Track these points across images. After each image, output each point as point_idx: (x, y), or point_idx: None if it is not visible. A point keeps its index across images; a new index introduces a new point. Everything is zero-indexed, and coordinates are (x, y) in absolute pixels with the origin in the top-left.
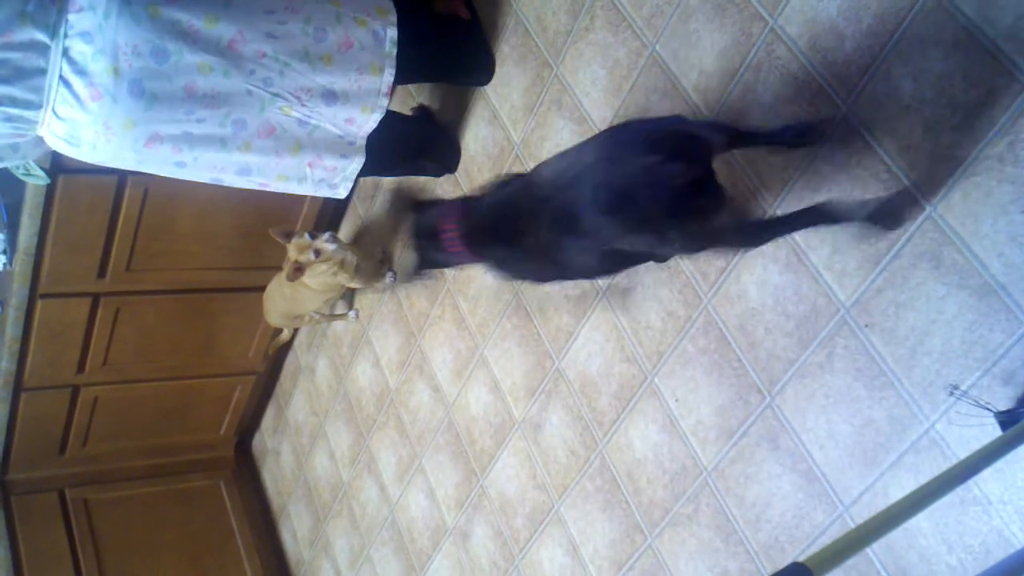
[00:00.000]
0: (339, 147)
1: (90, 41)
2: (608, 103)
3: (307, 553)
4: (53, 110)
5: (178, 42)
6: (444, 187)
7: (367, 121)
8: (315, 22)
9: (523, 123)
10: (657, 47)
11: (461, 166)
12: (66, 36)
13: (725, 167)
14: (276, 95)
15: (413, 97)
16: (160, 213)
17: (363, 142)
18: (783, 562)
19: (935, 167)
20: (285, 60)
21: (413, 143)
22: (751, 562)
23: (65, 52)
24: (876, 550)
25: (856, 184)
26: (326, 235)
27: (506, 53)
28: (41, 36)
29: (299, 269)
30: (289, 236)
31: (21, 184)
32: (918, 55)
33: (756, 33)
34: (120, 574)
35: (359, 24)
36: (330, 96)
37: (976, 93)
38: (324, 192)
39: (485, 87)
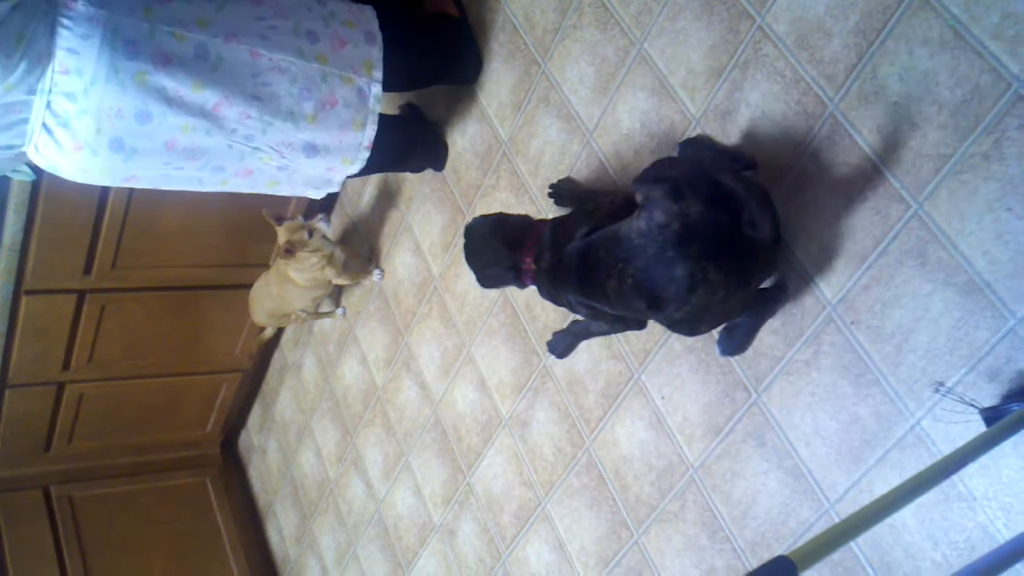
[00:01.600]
0: (316, 183)
1: (74, 101)
2: (596, 100)
3: (293, 551)
4: (35, 147)
5: (162, 106)
6: (431, 184)
7: (347, 169)
8: (300, 83)
9: (511, 120)
10: (645, 45)
11: (448, 164)
12: (50, 92)
13: None
14: (256, 148)
15: (400, 95)
16: (146, 210)
17: (342, 179)
18: (769, 558)
19: (921, 165)
20: (268, 120)
21: (401, 144)
22: (737, 559)
23: (48, 105)
24: (862, 546)
25: (842, 183)
26: (319, 216)
27: (494, 50)
28: (24, 96)
29: (290, 250)
30: (281, 220)
31: (6, 180)
32: (904, 53)
33: (744, 31)
34: (105, 572)
35: (345, 82)
36: (311, 149)
37: (962, 91)
38: (299, 195)
39: (473, 84)
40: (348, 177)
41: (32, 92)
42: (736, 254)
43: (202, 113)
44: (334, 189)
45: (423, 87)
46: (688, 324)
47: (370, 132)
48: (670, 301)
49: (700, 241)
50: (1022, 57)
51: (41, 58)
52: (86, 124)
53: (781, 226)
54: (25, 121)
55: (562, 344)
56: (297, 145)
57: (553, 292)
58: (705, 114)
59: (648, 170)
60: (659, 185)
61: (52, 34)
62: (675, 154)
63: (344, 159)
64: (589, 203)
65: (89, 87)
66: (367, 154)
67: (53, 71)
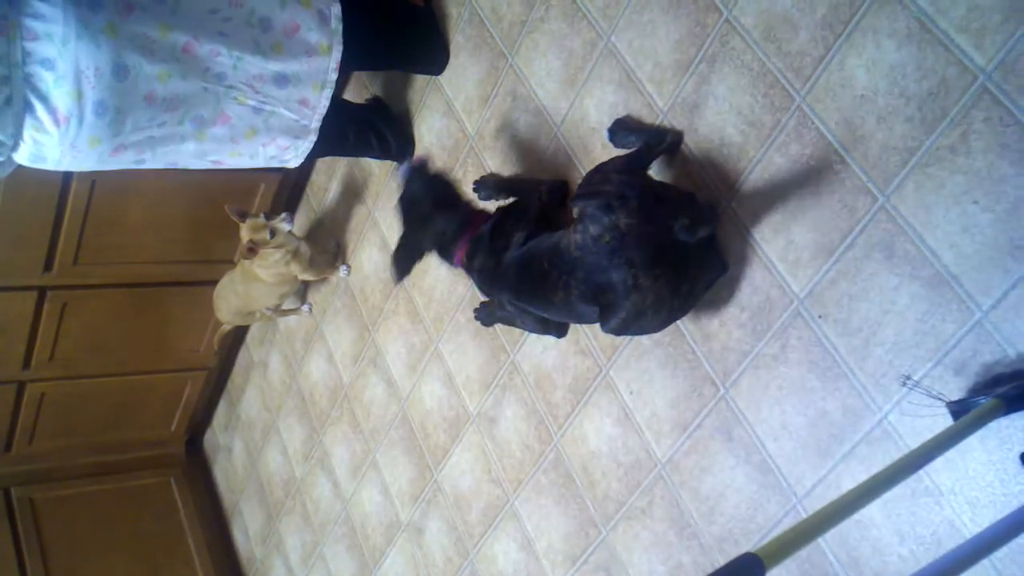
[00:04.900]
0: (294, 129)
1: (51, 68)
2: (563, 94)
3: (259, 551)
4: (21, 139)
5: (136, 56)
6: (398, 179)
7: (320, 99)
8: (259, 13)
9: (478, 114)
10: (612, 38)
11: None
12: (25, 64)
13: (680, 163)
14: (230, 87)
15: (367, 88)
16: (108, 205)
17: (318, 124)
18: (736, 555)
19: (888, 158)
20: (238, 55)
21: (364, 122)
22: (704, 555)
23: (27, 79)
24: (829, 542)
25: (809, 176)
26: (282, 215)
27: (460, 43)
28: (3, 72)
29: (252, 249)
30: (244, 215)
31: None
32: (871, 45)
33: (711, 24)
34: (67, 574)
35: (304, 6)
36: (282, 80)
37: (929, 84)
38: (275, 165)
39: (439, 77)
40: (312, 157)
41: (5, 64)
42: (666, 259)
43: (174, 57)
44: (311, 139)
45: (384, 69)
46: (631, 328)
47: (336, 53)
48: (614, 307)
49: (630, 249)
50: (988, 50)
51: (7, 29)
52: (66, 91)
53: (714, 229)
54: (9, 102)
55: (487, 317)
56: (267, 77)
57: (485, 288)
58: (672, 107)
59: (583, 185)
60: (593, 200)
61: (11, 3)
62: (605, 136)
63: (315, 84)
64: (519, 198)
65: (62, 48)
66: (335, 75)
67: (22, 40)
